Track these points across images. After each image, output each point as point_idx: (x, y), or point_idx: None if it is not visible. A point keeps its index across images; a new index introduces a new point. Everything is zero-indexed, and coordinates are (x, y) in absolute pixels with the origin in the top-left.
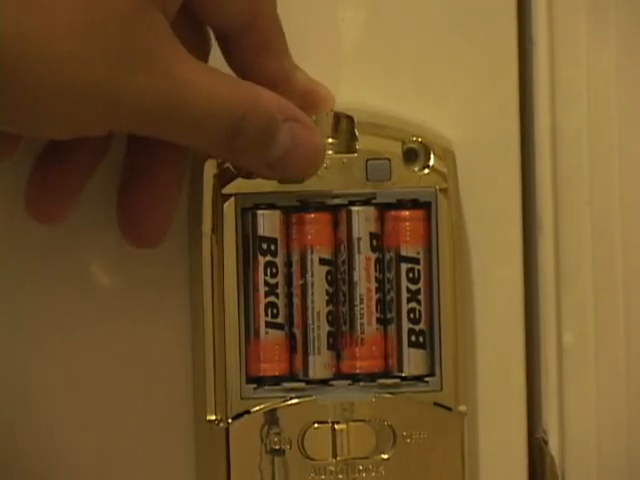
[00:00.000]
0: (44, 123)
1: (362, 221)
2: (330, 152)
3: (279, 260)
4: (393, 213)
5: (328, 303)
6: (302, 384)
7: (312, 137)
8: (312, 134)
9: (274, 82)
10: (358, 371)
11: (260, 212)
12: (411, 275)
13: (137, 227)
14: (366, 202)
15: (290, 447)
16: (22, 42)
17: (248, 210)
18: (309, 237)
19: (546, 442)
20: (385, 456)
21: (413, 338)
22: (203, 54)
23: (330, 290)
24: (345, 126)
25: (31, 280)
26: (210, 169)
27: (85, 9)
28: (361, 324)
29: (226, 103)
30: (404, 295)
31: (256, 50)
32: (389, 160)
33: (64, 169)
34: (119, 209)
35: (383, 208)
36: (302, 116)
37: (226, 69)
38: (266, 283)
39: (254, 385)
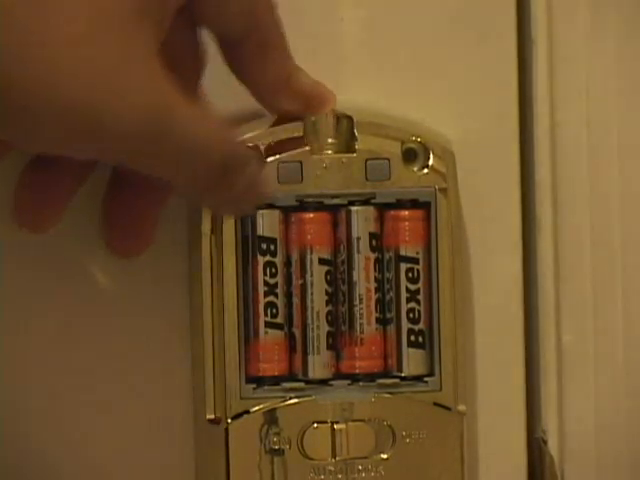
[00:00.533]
0: (22, 134)
1: (361, 221)
2: (330, 152)
3: (278, 260)
4: (392, 213)
5: (327, 303)
6: (301, 384)
7: (263, 175)
8: (263, 171)
9: (276, 85)
10: (357, 371)
11: (259, 212)
12: (410, 275)
13: (120, 238)
14: (365, 202)
15: (289, 447)
16: None
17: None
18: (308, 237)
19: (545, 442)
20: (384, 456)
21: (412, 338)
22: (197, 72)
23: (329, 290)
24: (345, 126)
25: (29, 281)
26: None
27: (70, 21)
28: (360, 324)
29: (211, 143)
30: (403, 295)
31: (258, 54)
32: (388, 160)
33: (52, 178)
34: (103, 219)
35: (382, 208)
36: (257, 154)
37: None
38: (265, 283)
39: (253, 385)
